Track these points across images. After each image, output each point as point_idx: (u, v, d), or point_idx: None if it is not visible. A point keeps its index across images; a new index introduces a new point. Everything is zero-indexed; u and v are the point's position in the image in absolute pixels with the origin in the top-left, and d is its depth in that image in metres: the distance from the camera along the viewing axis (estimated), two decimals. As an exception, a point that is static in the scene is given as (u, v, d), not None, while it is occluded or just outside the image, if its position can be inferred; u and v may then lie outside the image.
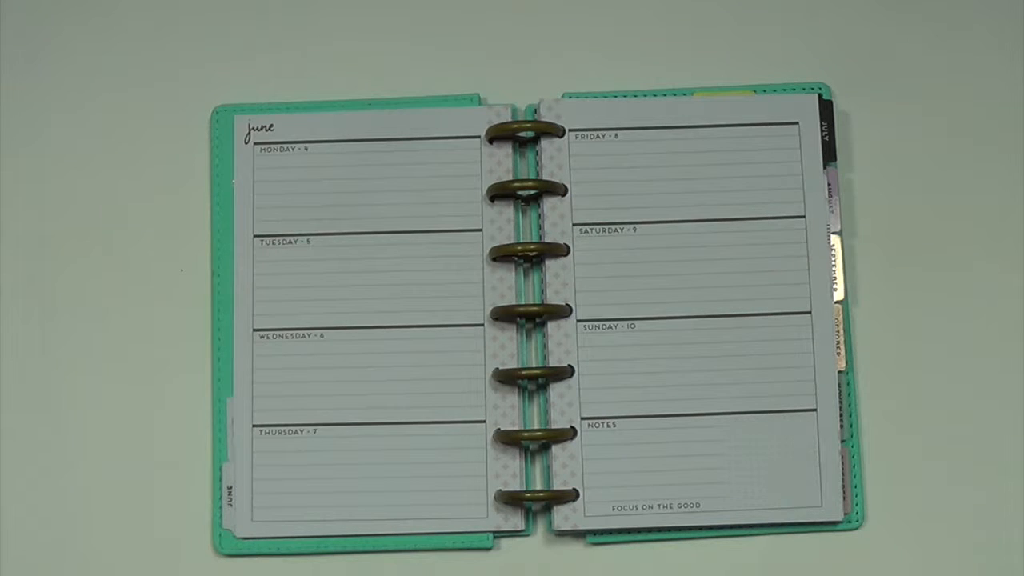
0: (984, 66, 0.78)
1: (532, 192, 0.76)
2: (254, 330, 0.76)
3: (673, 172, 0.76)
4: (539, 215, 0.76)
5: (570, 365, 0.75)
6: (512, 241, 0.76)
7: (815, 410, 0.74)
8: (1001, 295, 0.76)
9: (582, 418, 0.74)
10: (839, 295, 0.75)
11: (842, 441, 0.74)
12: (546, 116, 0.77)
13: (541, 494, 0.74)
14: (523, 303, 0.76)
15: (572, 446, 0.74)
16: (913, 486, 0.75)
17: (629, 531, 0.74)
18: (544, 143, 0.77)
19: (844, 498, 0.74)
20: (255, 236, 0.76)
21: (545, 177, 0.76)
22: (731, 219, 0.76)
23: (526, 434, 0.74)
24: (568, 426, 0.74)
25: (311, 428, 0.75)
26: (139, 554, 0.75)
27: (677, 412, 0.74)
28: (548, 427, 0.75)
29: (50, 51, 0.79)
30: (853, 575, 0.74)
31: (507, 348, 0.75)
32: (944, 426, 0.75)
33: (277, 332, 0.76)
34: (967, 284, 0.76)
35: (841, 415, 0.74)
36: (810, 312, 0.75)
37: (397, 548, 0.74)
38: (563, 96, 0.77)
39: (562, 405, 0.75)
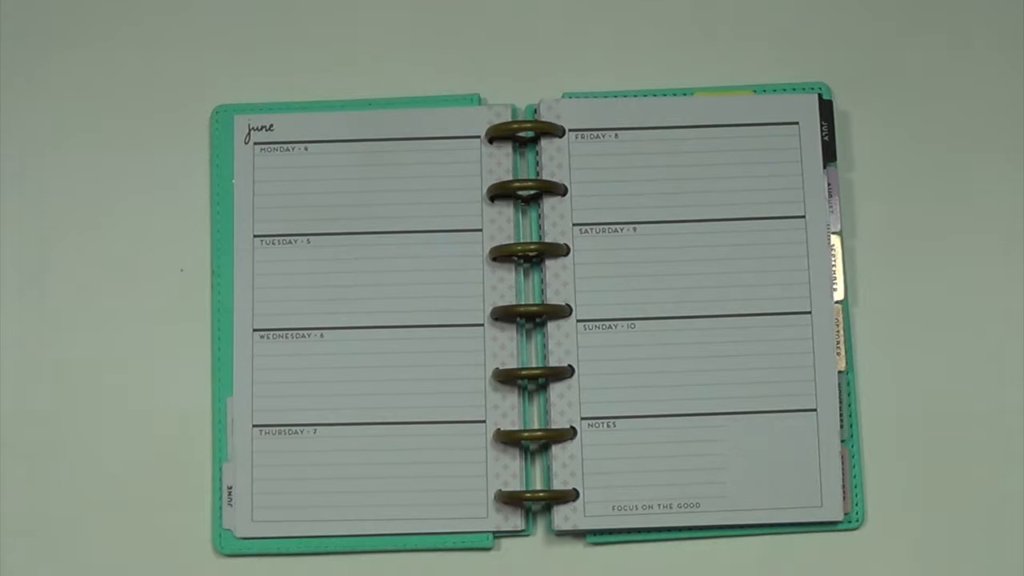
0: (984, 66, 0.78)
1: (532, 192, 0.76)
2: (254, 330, 0.76)
3: (673, 172, 0.76)
4: (539, 215, 0.76)
5: (570, 365, 0.75)
6: (512, 241, 0.76)
7: (815, 410, 0.74)
8: (1001, 295, 0.76)
9: (582, 418, 0.74)
10: (839, 295, 0.75)
11: (842, 441, 0.74)
12: (546, 116, 0.77)
13: (541, 494, 0.74)
14: (523, 303, 0.76)
15: (572, 446, 0.74)
16: (913, 486, 0.75)
17: (629, 531, 0.74)
18: (544, 143, 0.77)
19: (844, 498, 0.74)
20: (255, 236, 0.76)
21: (545, 177, 0.76)
22: (731, 219, 0.76)
23: (526, 434, 0.74)
24: (568, 426, 0.74)
25: (311, 428, 0.75)
26: (139, 554, 0.75)
27: (677, 412, 0.74)
28: (548, 427, 0.75)
29: (50, 51, 0.79)
30: (853, 575, 0.74)
31: (507, 348, 0.75)
32: (944, 426, 0.75)
33: (277, 332, 0.76)
34: (967, 284, 0.76)
35: (841, 415, 0.74)
36: (810, 312, 0.75)
37: (397, 548, 0.74)
38: (563, 96, 0.77)
39: (562, 405, 0.75)
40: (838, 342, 0.75)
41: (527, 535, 0.75)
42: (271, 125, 0.77)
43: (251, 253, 0.76)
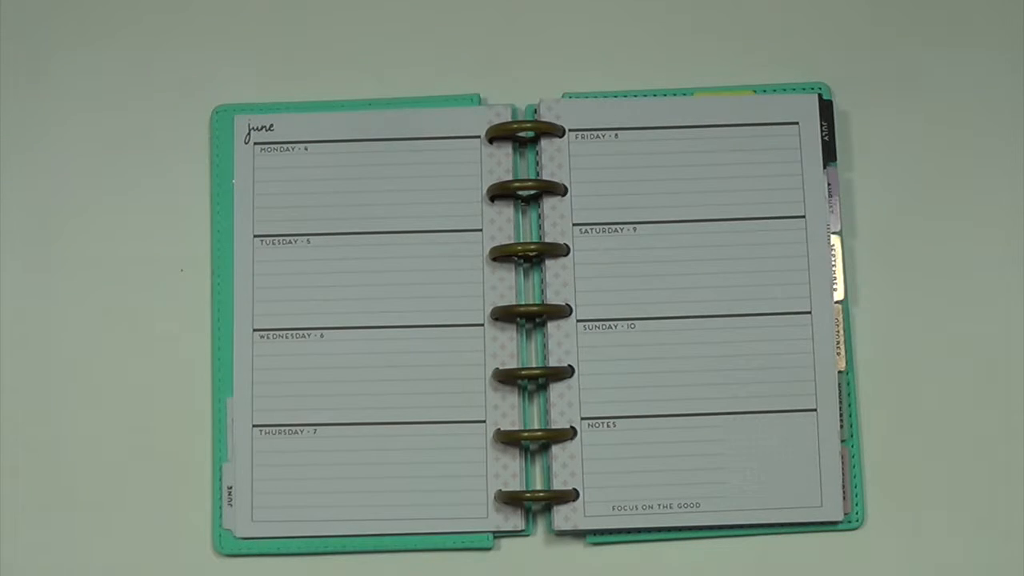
0: (984, 66, 0.78)
1: (532, 192, 0.76)
2: (254, 330, 0.76)
3: (673, 172, 0.76)
4: (539, 215, 0.76)
5: (570, 365, 0.75)
6: (512, 241, 0.76)
7: (815, 410, 0.74)
8: (1001, 295, 0.76)
9: (582, 418, 0.74)
10: (839, 295, 0.75)
11: (842, 441, 0.74)
12: (546, 116, 0.77)
13: (541, 494, 0.74)
14: (523, 303, 0.76)
15: (572, 446, 0.74)
16: (913, 486, 0.75)
17: (629, 531, 0.74)
18: (544, 143, 0.77)
19: (844, 498, 0.74)
20: (255, 236, 0.76)
21: (545, 177, 0.76)
22: (731, 219, 0.76)
23: (526, 434, 0.74)
24: (568, 426, 0.74)
25: (311, 428, 0.75)
26: (139, 554, 0.75)
27: (677, 412, 0.74)
28: (548, 427, 0.75)
29: (51, 51, 0.79)
30: (853, 575, 0.74)
31: (507, 348, 0.75)
32: (944, 426, 0.75)
33: (277, 332, 0.76)
34: (967, 284, 0.76)
35: (841, 415, 0.74)
36: (810, 312, 0.75)
37: (397, 548, 0.74)
38: (563, 96, 0.77)
39: (562, 405, 0.75)
40: (838, 342, 0.75)
41: (527, 535, 0.75)
42: (271, 125, 0.77)
43: (251, 253, 0.76)
